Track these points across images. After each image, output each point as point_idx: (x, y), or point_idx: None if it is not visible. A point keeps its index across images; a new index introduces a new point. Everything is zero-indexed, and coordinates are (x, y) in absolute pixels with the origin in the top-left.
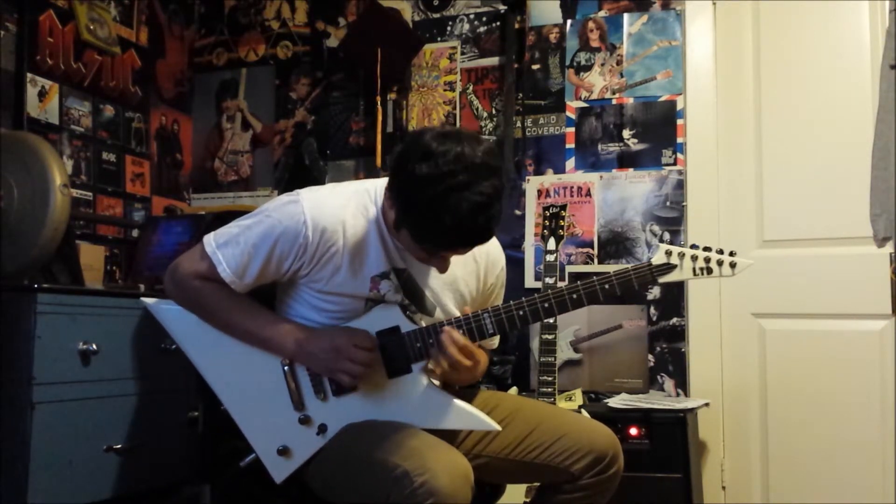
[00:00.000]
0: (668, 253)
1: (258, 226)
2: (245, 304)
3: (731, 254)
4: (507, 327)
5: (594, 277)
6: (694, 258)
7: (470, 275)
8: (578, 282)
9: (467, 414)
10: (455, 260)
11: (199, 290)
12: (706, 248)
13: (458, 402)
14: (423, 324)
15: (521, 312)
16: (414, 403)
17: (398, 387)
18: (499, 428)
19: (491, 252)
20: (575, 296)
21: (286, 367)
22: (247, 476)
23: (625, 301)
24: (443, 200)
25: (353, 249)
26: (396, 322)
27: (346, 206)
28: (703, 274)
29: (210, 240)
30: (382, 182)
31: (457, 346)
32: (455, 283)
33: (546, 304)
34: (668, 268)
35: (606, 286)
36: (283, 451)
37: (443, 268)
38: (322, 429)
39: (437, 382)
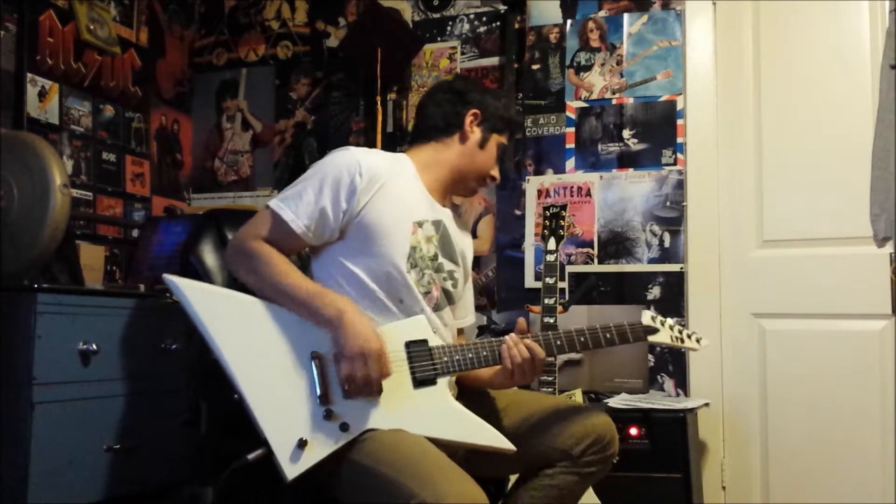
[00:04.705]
0: (653, 318)
1: (316, 173)
2: (297, 270)
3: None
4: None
5: (598, 326)
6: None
7: (468, 245)
8: (585, 328)
9: (486, 431)
10: (459, 229)
11: (257, 251)
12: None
13: (478, 419)
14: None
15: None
16: (436, 415)
17: (422, 398)
18: (513, 448)
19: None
20: (582, 339)
21: (315, 360)
22: (251, 474)
23: (625, 301)
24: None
25: (398, 189)
26: (424, 335)
27: (389, 157)
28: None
29: (275, 202)
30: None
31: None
32: (465, 243)
33: (558, 342)
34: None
35: (607, 335)
36: (303, 445)
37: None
38: (344, 427)
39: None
